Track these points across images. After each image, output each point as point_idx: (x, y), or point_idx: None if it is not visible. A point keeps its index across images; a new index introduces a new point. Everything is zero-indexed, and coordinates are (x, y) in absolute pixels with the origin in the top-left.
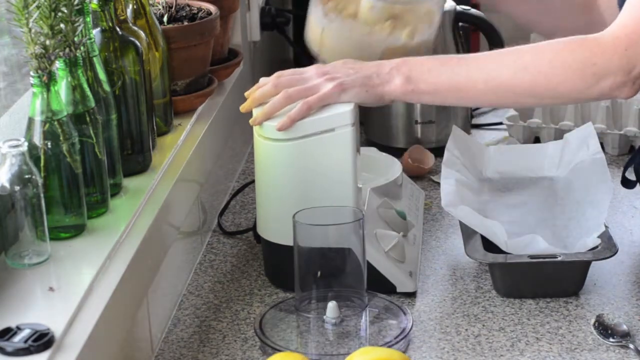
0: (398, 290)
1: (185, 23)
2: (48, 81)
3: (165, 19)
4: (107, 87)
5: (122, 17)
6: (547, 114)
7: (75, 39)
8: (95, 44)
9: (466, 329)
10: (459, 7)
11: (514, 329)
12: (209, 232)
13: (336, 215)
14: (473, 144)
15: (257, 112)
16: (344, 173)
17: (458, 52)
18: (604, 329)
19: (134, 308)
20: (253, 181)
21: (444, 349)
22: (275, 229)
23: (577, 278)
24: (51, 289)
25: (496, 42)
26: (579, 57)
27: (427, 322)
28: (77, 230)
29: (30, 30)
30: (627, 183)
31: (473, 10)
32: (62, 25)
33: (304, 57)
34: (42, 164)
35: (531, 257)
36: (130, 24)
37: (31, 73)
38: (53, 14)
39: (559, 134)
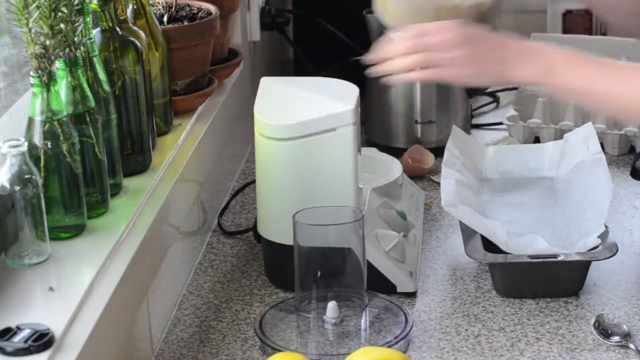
0: (398, 290)
1: (185, 23)
2: (48, 81)
3: (165, 19)
4: (107, 87)
5: (122, 17)
6: (547, 114)
7: (75, 39)
8: (95, 44)
9: (466, 329)
10: None
11: (514, 329)
12: (209, 232)
13: (336, 215)
14: (473, 144)
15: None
16: (344, 173)
17: None
18: (604, 329)
19: (134, 308)
20: (253, 181)
21: (444, 349)
22: (276, 228)
23: (577, 278)
24: (51, 289)
25: None
26: None
27: (427, 322)
28: (77, 230)
29: (30, 30)
30: (636, 174)
31: None
32: (62, 25)
33: (304, 57)
34: (42, 164)
35: (531, 257)
36: (130, 24)
37: (31, 73)
38: (53, 14)
39: (559, 134)
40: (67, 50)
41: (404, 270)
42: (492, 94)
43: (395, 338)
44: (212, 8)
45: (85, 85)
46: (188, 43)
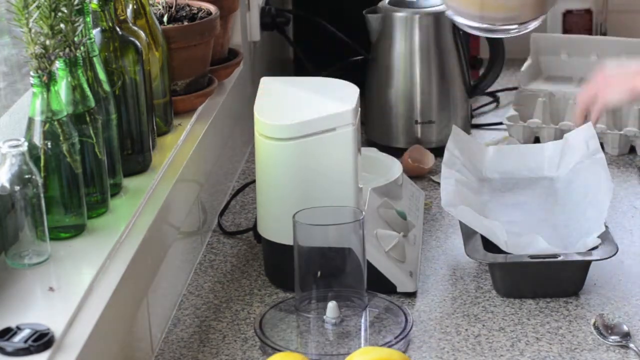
0: (398, 290)
1: (185, 23)
2: (48, 81)
3: (165, 19)
4: (107, 87)
5: (122, 17)
6: (547, 114)
7: (75, 39)
8: (95, 44)
9: (466, 329)
10: None
11: (514, 329)
12: (209, 232)
13: (336, 215)
14: (473, 144)
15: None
16: (344, 173)
17: (457, 52)
18: (604, 329)
19: (134, 308)
20: (253, 181)
21: (444, 349)
22: (276, 228)
23: (577, 278)
24: (51, 289)
25: (496, 43)
26: None
27: (427, 322)
28: (77, 230)
29: (30, 30)
30: None
31: None
32: (62, 25)
33: (304, 57)
34: (42, 164)
35: (531, 257)
36: (130, 24)
37: (31, 73)
38: (53, 14)
39: (559, 134)
40: (67, 50)
41: (404, 270)
42: (492, 94)
43: (395, 338)
44: (212, 8)
45: (85, 85)
46: (188, 43)
